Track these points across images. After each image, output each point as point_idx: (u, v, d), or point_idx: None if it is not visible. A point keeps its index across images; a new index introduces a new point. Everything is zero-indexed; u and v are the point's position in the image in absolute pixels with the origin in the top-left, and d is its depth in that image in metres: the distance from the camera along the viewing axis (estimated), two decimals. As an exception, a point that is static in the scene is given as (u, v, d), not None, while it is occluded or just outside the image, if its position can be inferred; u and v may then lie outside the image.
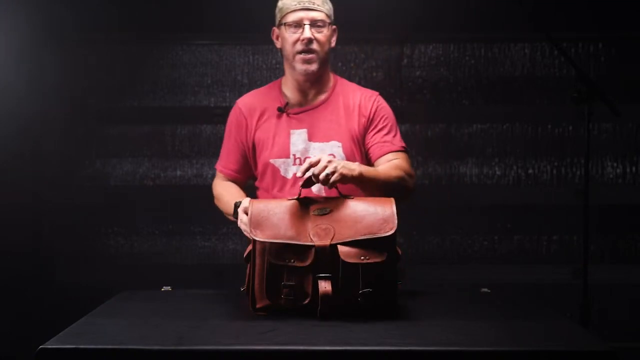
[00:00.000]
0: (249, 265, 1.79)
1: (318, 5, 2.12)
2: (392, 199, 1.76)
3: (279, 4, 2.17)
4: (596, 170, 3.41)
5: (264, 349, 1.43)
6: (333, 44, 2.20)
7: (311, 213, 1.74)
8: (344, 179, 1.86)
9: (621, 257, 3.42)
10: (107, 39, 3.40)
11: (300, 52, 2.11)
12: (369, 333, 1.52)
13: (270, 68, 3.37)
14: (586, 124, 2.43)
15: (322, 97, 2.21)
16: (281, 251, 1.67)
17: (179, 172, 3.46)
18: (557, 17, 3.23)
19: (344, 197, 1.80)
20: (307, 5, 2.10)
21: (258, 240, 1.70)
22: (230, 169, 2.25)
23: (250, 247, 1.76)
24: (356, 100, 2.21)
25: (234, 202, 2.04)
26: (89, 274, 3.36)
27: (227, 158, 2.26)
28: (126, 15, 3.31)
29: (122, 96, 3.46)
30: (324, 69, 2.18)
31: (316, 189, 2.08)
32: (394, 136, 2.20)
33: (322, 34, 2.12)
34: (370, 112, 2.20)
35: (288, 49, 2.13)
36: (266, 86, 2.30)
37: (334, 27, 2.19)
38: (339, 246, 1.66)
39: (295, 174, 2.11)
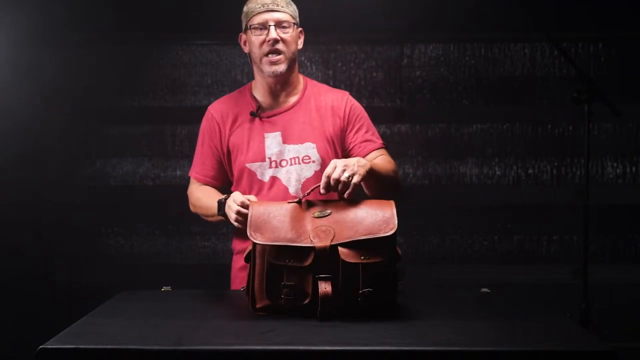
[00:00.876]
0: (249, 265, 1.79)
1: (282, 7, 2.14)
2: (392, 202, 1.77)
3: (244, 9, 2.18)
4: (596, 170, 3.41)
5: (264, 349, 1.43)
6: (300, 45, 2.21)
7: (311, 215, 1.74)
8: (363, 178, 1.86)
9: (621, 257, 3.42)
10: (107, 39, 3.40)
11: (267, 54, 2.13)
12: (369, 333, 1.52)
13: (270, 68, 3.38)
14: (586, 124, 2.43)
15: (294, 99, 2.23)
16: (281, 252, 1.67)
17: (179, 172, 3.46)
18: (557, 17, 3.23)
19: (344, 199, 1.81)
20: (271, 7, 2.12)
21: (258, 244, 1.70)
22: (206, 176, 2.26)
23: (250, 248, 1.76)
24: (328, 101, 2.23)
25: (216, 201, 2.07)
26: (89, 274, 3.37)
27: (203, 165, 2.26)
28: (126, 15, 3.32)
29: (122, 96, 3.46)
30: (292, 70, 2.19)
31: (293, 190, 2.13)
32: (373, 134, 2.24)
33: (288, 35, 2.13)
34: (345, 112, 2.22)
35: (255, 52, 2.15)
36: (236, 91, 2.31)
37: (300, 28, 2.20)
38: (339, 247, 1.66)
39: (272, 177, 2.15)
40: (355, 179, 1.82)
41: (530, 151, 3.43)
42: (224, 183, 2.29)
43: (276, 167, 2.16)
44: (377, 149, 2.20)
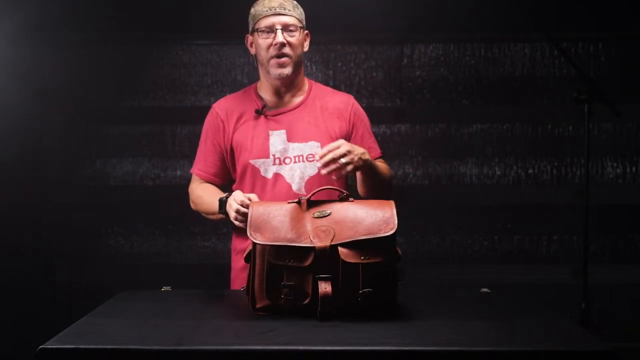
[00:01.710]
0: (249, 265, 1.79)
1: (289, 11, 2.16)
2: (392, 202, 1.77)
3: (252, 11, 2.20)
4: (596, 170, 3.41)
5: (264, 349, 1.43)
6: (306, 48, 2.23)
7: (311, 215, 1.74)
8: (361, 166, 1.98)
9: (621, 257, 3.42)
10: (107, 39, 3.40)
11: (274, 57, 2.14)
12: (369, 333, 1.52)
13: (270, 68, 3.38)
14: (586, 124, 2.43)
15: (299, 99, 2.25)
16: (281, 252, 1.67)
17: (179, 172, 3.47)
18: (557, 17, 3.23)
19: (343, 199, 1.81)
20: (278, 10, 2.14)
21: (258, 244, 1.70)
22: (209, 173, 2.27)
23: (250, 248, 1.77)
24: (333, 103, 2.26)
25: (217, 199, 2.08)
26: (89, 274, 3.37)
27: (205, 162, 2.28)
28: (126, 15, 3.32)
29: (122, 96, 3.46)
30: (298, 72, 2.22)
31: (296, 187, 2.15)
32: (373, 141, 2.30)
33: (294, 38, 2.15)
34: (350, 116, 2.25)
35: (262, 55, 2.17)
36: (241, 91, 2.33)
37: (306, 31, 2.22)
38: (339, 247, 1.66)
39: (275, 173, 2.17)
40: (349, 168, 1.94)
41: (530, 151, 3.43)
42: (226, 181, 2.29)
43: (280, 164, 2.17)
44: (377, 157, 2.26)
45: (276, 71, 2.16)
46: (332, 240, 1.67)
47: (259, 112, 2.21)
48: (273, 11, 2.14)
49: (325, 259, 1.65)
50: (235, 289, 2.18)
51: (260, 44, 2.15)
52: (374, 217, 1.72)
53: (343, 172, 1.94)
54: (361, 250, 1.67)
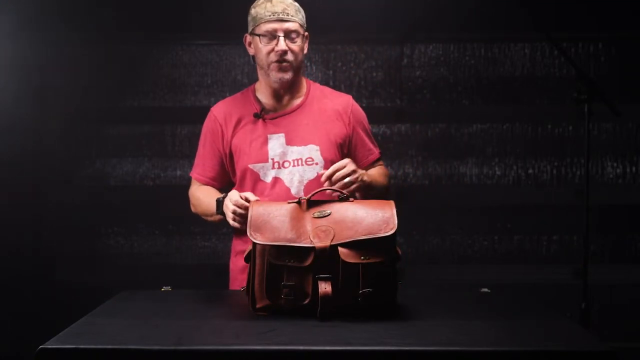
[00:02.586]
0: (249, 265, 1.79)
1: (292, 16, 2.11)
2: (392, 202, 1.77)
3: (252, 11, 2.15)
4: (596, 170, 3.41)
5: (264, 349, 1.43)
6: (305, 50, 2.19)
7: (311, 215, 1.74)
8: (361, 188, 2.02)
9: (621, 257, 3.42)
10: (107, 39, 3.40)
11: (274, 62, 2.12)
12: (369, 333, 1.52)
13: (270, 68, 3.38)
14: (586, 124, 2.42)
15: (297, 102, 2.22)
16: (281, 252, 1.67)
17: (179, 172, 3.47)
18: (557, 17, 3.23)
19: (343, 199, 1.81)
20: (281, 16, 2.09)
21: (258, 244, 1.70)
22: (207, 177, 2.26)
23: (250, 248, 1.77)
24: (332, 105, 2.24)
25: (215, 200, 2.08)
26: (89, 274, 3.37)
27: (204, 166, 2.26)
28: (126, 15, 3.32)
29: (122, 96, 3.46)
30: (297, 75, 2.19)
31: (295, 191, 2.14)
32: (372, 142, 2.31)
33: (296, 44, 2.12)
34: (350, 117, 2.24)
35: (262, 59, 2.14)
36: (239, 93, 2.30)
37: (306, 34, 2.18)
38: (339, 247, 1.66)
39: (274, 177, 2.16)
40: (352, 187, 1.98)
41: (530, 151, 3.43)
42: (225, 184, 2.28)
43: (279, 168, 2.16)
44: (376, 159, 2.28)
45: (277, 75, 2.13)
46: (332, 240, 1.67)
47: (257, 116, 2.19)
48: (276, 17, 2.09)
49: (325, 259, 1.65)
50: (235, 289, 2.18)
51: (261, 48, 2.12)
52: (374, 217, 1.72)
53: (345, 192, 1.89)
54: (361, 250, 1.67)
